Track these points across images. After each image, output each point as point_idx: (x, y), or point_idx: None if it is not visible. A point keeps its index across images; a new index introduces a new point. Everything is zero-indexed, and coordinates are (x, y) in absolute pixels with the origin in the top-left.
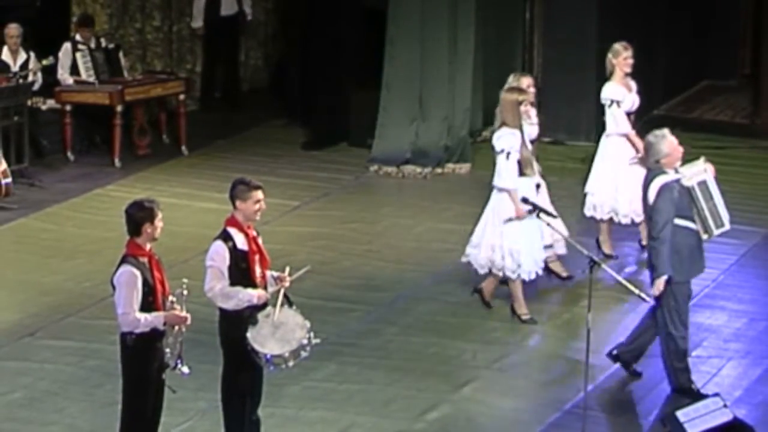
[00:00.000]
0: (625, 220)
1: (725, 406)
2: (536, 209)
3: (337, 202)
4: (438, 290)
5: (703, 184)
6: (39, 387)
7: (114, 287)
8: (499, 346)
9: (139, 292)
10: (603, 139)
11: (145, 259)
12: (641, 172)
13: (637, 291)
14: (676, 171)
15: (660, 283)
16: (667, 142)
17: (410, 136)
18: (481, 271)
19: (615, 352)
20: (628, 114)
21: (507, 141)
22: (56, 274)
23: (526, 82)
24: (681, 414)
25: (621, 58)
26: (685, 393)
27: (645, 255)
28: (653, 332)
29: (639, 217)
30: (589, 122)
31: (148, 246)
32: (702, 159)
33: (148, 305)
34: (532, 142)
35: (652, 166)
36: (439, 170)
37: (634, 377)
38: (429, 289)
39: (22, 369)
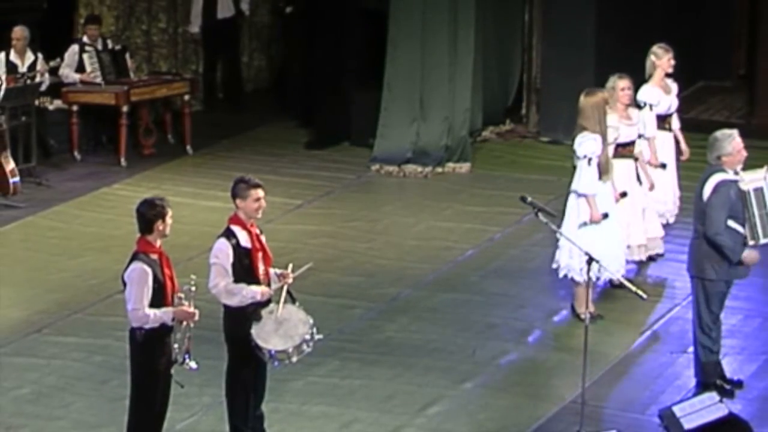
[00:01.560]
0: (671, 220)
1: (721, 401)
2: (535, 208)
3: (339, 200)
4: (438, 287)
5: (759, 191)
6: (46, 382)
7: (125, 283)
8: (498, 342)
9: (149, 289)
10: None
11: (155, 256)
12: (667, 174)
13: (634, 288)
14: (736, 173)
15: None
16: (733, 142)
17: (411, 135)
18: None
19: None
20: (667, 116)
21: (589, 147)
22: (63, 272)
23: (622, 84)
24: (677, 409)
25: (665, 60)
26: (708, 388)
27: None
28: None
29: (672, 218)
30: None
31: (158, 243)
32: (765, 168)
33: (158, 301)
34: (631, 143)
35: (712, 161)
36: (439, 169)
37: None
38: (429, 286)
39: (29, 365)
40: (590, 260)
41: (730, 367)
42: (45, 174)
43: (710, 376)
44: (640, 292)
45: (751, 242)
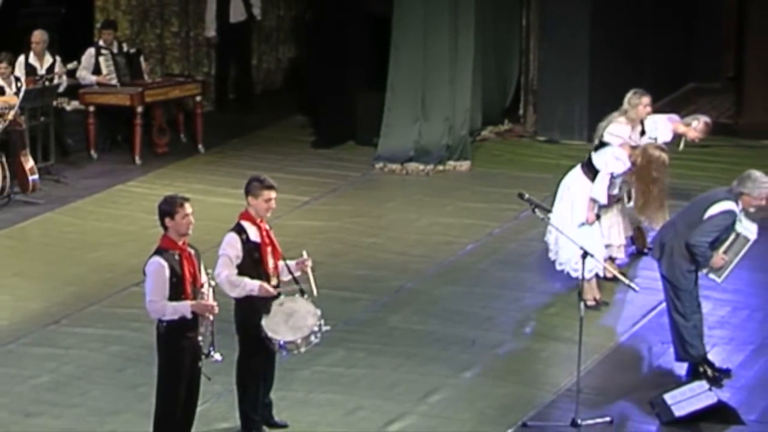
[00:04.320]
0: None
1: (710, 389)
2: (532, 204)
3: (344, 197)
4: (440, 280)
5: (743, 240)
6: (64, 371)
7: (146, 276)
8: (497, 333)
9: (165, 282)
10: None
11: (175, 252)
12: None
13: (626, 281)
14: (743, 211)
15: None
16: (762, 190)
17: (413, 135)
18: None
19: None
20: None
21: (617, 166)
22: (80, 266)
23: (644, 100)
24: (668, 397)
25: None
26: (697, 374)
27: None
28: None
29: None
30: (581, 121)
31: (180, 240)
32: (755, 227)
33: (176, 295)
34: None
35: (734, 190)
36: (440, 167)
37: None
38: (431, 279)
39: (48, 355)
40: (585, 255)
41: (718, 357)
42: (63, 172)
43: (698, 357)
44: (632, 285)
45: (704, 271)
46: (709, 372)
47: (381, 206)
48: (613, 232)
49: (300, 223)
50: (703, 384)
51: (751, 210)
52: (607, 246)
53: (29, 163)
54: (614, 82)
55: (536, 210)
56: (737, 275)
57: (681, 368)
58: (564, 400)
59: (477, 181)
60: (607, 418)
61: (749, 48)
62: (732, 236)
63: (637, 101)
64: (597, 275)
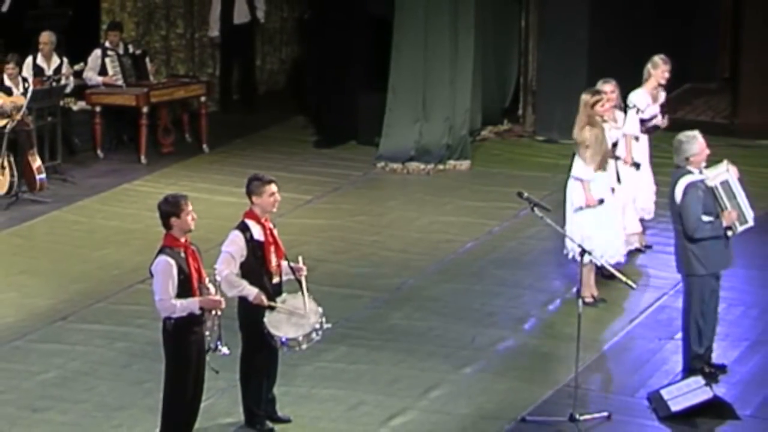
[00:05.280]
0: (648, 216)
1: (706, 384)
2: (531, 203)
3: (346, 196)
4: (440, 277)
5: (725, 184)
6: (71, 367)
7: (152, 275)
8: (496, 330)
9: (174, 280)
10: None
11: (180, 250)
12: (642, 173)
13: (624, 279)
14: (701, 172)
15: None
16: (697, 143)
17: (414, 135)
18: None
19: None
20: (648, 121)
21: (587, 134)
22: (86, 263)
23: (607, 88)
24: (665, 392)
25: (659, 71)
26: (694, 373)
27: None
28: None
29: (649, 215)
30: None
31: (183, 237)
32: (725, 161)
33: (184, 292)
34: (614, 144)
35: (680, 163)
36: (441, 167)
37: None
38: (432, 276)
39: (55, 350)
40: (583, 252)
41: (714, 352)
42: (70, 171)
43: (697, 364)
44: (630, 282)
45: (729, 233)
46: (705, 368)
47: (382, 205)
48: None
49: (303, 222)
50: (699, 380)
51: (703, 165)
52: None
53: (37, 162)
54: None
55: (535, 208)
56: (733, 273)
57: (677, 364)
58: (562, 396)
59: (477, 180)
60: (605, 414)
61: (745, 49)
62: (717, 194)
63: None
64: (601, 273)
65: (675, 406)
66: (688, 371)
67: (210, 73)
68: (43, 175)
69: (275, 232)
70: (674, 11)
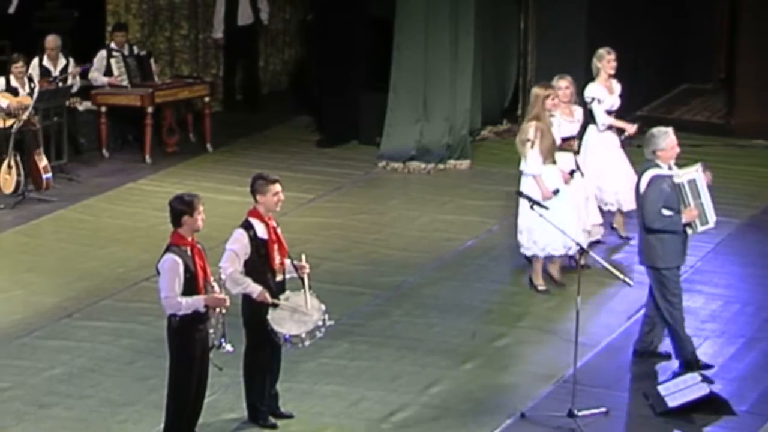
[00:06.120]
0: (611, 208)
1: (702, 381)
2: (530, 201)
3: (348, 195)
4: (440, 275)
5: (692, 182)
6: (77, 364)
7: (158, 273)
8: (496, 327)
9: (180, 278)
10: (586, 133)
11: (187, 248)
12: (621, 164)
13: (621, 276)
14: (670, 168)
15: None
16: (668, 139)
17: (415, 135)
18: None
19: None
20: (609, 113)
21: (531, 132)
22: (92, 261)
23: (561, 83)
24: (662, 388)
25: (605, 61)
26: (691, 365)
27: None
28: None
29: (627, 206)
30: None
31: (190, 236)
32: (699, 164)
33: (190, 290)
34: (571, 138)
35: (648, 156)
36: (441, 166)
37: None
38: (432, 274)
39: (61, 347)
40: (582, 250)
41: (711, 349)
42: (75, 170)
43: (687, 351)
44: (627, 280)
45: (689, 231)
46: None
47: (383, 204)
48: (584, 213)
49: (305, 220)
50: (696, 376)
51: (673, 162)
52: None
53: (43, 161)
54: None
55: (534, 207)
56: (729, 271)
57: (674, 360)
58: (561, 392)
59: (476, 179)
60: (603, 409)
61: (740, 50)
62: (682, 190)
63: (555, 84)
64: (576, 261)
65: (672, 402)
66: (684, 364)
67: (214, 73)
68: (50, 175)
69: (278, 230)
70: (671, 13)
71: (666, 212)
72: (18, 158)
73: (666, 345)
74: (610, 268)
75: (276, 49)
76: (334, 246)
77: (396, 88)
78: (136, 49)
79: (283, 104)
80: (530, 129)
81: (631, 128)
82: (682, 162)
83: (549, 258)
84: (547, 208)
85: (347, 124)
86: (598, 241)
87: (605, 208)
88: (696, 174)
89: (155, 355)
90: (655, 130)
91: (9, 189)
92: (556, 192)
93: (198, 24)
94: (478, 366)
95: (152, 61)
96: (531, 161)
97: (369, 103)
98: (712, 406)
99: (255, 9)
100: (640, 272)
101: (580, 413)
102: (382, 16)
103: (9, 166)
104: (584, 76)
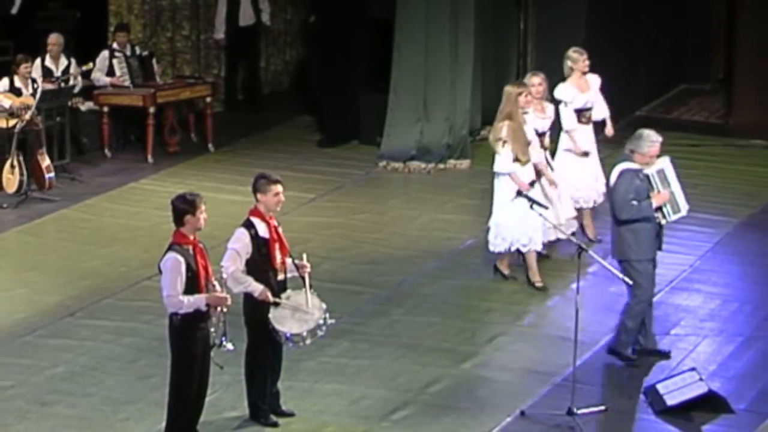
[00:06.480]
0: (585, 205)
1: (701, 379)
2: (530, 201)
3: (349, 194)
4: (440, 274)
5: (661, 172)
6: (79, 362)
7: (161, 271)
8: (495, 326)
9: (182, 277)
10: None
11: (189, 247)
12: (589, 162)
13: (621, 275)
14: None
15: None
16: (652, 148)
17: (415, 135)
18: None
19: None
20: (584, 110)
21: (504, 132)
22: (94, 260)
23: (534, 80)
24: (661, 386)
25: (580, 62)
26: (617, 355)
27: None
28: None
29: (586, 204)
30: None
31: (192, 235)
32: (667, 157)
33: (191, 289)
34: (542, 134)
35: (627, 151)
36: (441, 166)
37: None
38: (432, 274)
39: (63, 346)
40: (580, 249)
41: (709, 348)
42: (78, 170)
43: (623, 345)
44: (626, 279)
45: (663, 221)
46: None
47: (384, 203)
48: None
49: (306, 220)
50: (695, 374)
51: (644, 167)
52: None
53: (46, 161)
54: (609, 84)
55: (533, 206)
56: (728, 270)
57: (673, 359)
58: (560, 390)
59: (476, 179)
60: (602, 407)
61: (738, 51)
62: (652, 180)
63: (527, 81)
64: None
65: (671, 400)
66: (609, 350)
67: (215, 74)
68: (52, 174)
69: (280, 229)
70: (669, 14)
71: (635, 203)
72: (21, 158)
73: (664, 344)
74: (609, 267)
75: (277, 49)
76: (334, 245)
77: (396, 88)
78: (138, 50)
79: (284, 104)
80: (503, 128)
81: (609, 129)
82: (681, 162)
83: (502, 254)
84: (546, 208)
85: (348, 124)
86: (573, 233)
87: (575, 206)
88: (665, 164)
89: (157, 354)
90: (646, 133)
91: (12, 188)
92: (533, 184)
93: (200, 25)
94: (478, 365)
95: (154, 61)
96: (502, 160)
97: (369, 103)
98: (710, 404)
99: (256, 10)
100: None
101: (579, 411)
102: (382, 17)
103: (12, 166)
104: None
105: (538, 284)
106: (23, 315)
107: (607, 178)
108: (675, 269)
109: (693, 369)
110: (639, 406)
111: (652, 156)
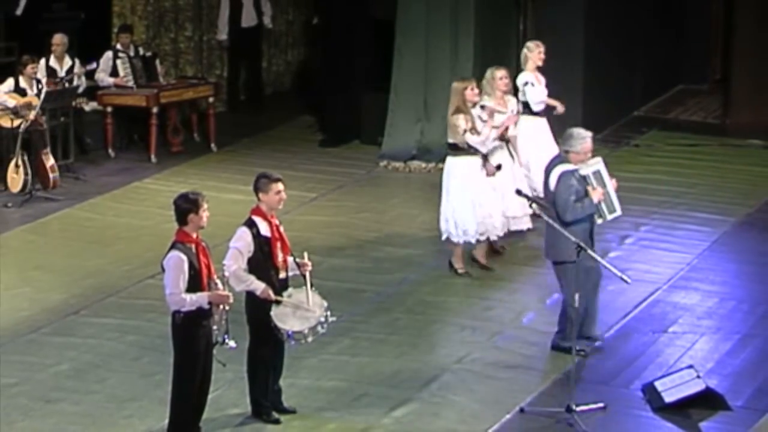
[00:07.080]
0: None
1: (698, 376)
2: (530, 200)
3: (350, 194)
4: (440, 273)
5: (597, 173)
6: (83, 360)
7: (163, 270)
8: (495, 324)
9: (185, 275)
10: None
11: (192, 245)
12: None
13: (619, 273)
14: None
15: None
16: (584, 144)
17: (416, 134)
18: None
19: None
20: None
21: (461, 122)
22: (98, 259)
23: (500, 73)
24: (659, 384)
25: (536, 53)
26: (559, 350)
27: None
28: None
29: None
30: (576, 122)
31: (194, 234)
32: (599, 159)
33: (194, 287)
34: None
35: (561, 152)
36: (441, 166)
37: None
38: (432, 272)
39: (67, 344)
40: (579, 248)
41: (707, 345)
42: (82, 169)
43: (563, 341)
44: (624, 277)
45: (599, 220)
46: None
47: (385, 202)
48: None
49: (308, 218)
50: (692, 372)
51: (579, 166)
52: (513, 218)
53: (50, 161)
54: (607, 85)
55: (533, 205)
56: (725, 268)
57: (671, 357)
58: (559, 387)
59: None
60: (601, 404)
61: (735, 52)
62: (588, 180)
63: (490, 75)
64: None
65: (668, 398)
66: (554, 346)
67: (218, 74)
68: (56, 174)
69: (281, 228)
70: (667, 15)
71: (578, 204)
72: (25, 158)
73: (662, 341)
74: (608, 265)
75: (279, 50)
76: (336, 244)
77: (397, 88)
78: (141, 51)
79: (286, 104)
80: (459, 120)
81: (560, 107)
82: (680, 162)
83: (469, 243)
84: (546, 207)
85: (349, 124)
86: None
87: (533, 194)
88: (599, 165)
89: (160, 352)
90: (575, 131)
91: (17, 188)
92: (499, 167)
93: (202, 26)
94: (477, 362)
95: (157, 62)
96: (484, 138)
97: (371, 103)
98: (708, 401)
99: (258, 11)
100: (636, 270)
101: (578, 408)
102: (383, 18)
103: (17, 166)
104: (582, 76)
105: (461, 270)
106: (28, 313)
107: (546, 181)
108: (673, 267)
109: (690, 366)
110: (637, 404)
111: (586, 152)
